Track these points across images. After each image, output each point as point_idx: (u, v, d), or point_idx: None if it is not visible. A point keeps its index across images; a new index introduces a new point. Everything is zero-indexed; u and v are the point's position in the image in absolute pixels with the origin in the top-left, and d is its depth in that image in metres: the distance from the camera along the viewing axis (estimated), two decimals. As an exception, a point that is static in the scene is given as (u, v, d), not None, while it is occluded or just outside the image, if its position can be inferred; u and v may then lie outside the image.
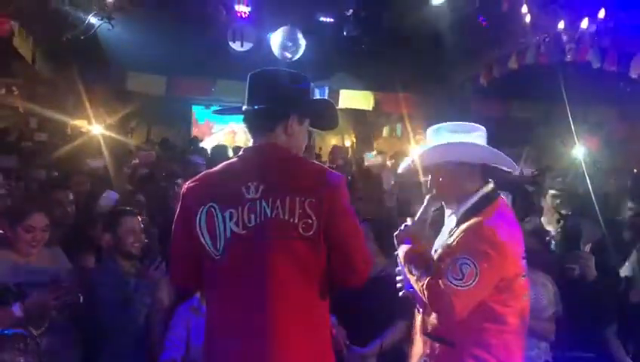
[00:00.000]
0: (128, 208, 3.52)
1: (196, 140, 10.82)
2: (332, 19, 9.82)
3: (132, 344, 3.16)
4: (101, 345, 3.13)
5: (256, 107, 2.05)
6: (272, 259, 1.94)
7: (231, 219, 1.95)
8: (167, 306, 3.24)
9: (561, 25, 7.03)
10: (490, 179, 2.25)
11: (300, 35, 9.40)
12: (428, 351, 2.19)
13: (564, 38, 7.04)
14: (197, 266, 2.04)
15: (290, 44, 9.32)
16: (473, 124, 2.30)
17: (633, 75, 6.62)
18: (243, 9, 9.23)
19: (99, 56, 9.03)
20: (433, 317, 2.17)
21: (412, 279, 2.17)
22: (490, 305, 2.10)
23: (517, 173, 2.37)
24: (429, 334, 2.20)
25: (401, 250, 2.26)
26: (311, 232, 1.94)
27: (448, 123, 2.30)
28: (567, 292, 3.45)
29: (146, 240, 3.36)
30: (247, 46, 9.32)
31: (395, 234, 2.31)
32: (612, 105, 10.43)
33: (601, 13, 6.34)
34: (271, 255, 1.94)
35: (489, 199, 2.21)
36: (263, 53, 9.44)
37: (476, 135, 2.25)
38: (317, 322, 2.03)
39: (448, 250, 2.15)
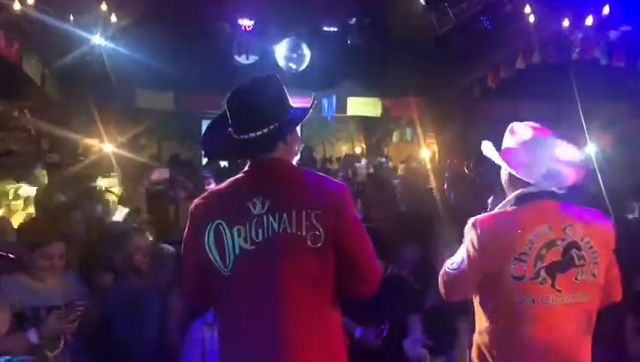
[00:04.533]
0: (135, 226, 3.55)
1: None
2: (336, 29, 9.86)
3: (147, 357, 3.16)
4: (116, 354, 3.15)
5: (252, 135, 2.01)
6: (282, 273, 1.94)
7: (239, 235, 1.96)
8: (180, 313, 3.26)
9: (565, 23, 7.00)
10: (523, 189, 2.25)
11: (304, 46, 9.46)
12: None
13: (570, 36, 7.00)
14: (207, 283, 2.04)
15: (294, 55, 9.38)
16: None
17: (641, 70, 6.57)
18: (247, 23, 9.30)
19: (106, 75, 9.12)
20: None
21: None
22: (476, 300, 2.26)
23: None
24: None
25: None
26: (319, 244, 1.94)
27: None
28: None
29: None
30: (253, 59, 9.40)
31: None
32: (623, 102, 10.33)
33: (606, 10, 6.31)
34: (280, 269, 1.94)
35: (510, 202, 2.26)
36: (269, 65, 9.49)
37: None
38: (330, 333, 2.03)
39: None
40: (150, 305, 3.21)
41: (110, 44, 8.39)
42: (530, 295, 2.12)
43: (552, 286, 2.12)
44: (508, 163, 2.27)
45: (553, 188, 2.22)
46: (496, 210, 2.29)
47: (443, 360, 3.39)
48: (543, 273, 2.12)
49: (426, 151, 11.40)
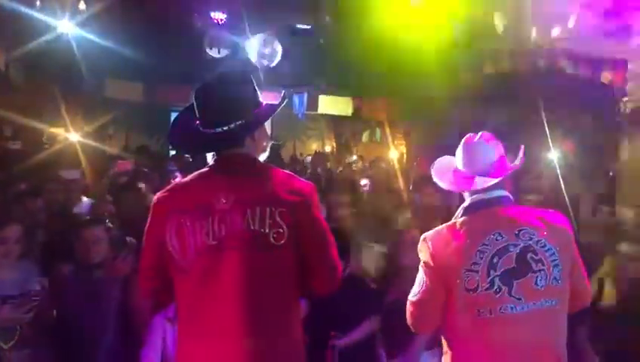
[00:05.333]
0: (91, 218, 3.50)
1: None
2: (309, 27, 9.87)
3: (106, 350, 3.13)
4: (75, 346, 3.11)
5: (220, 129, 2.01)
6: (243, 270, 1.94)
7: (201, 230, 1.95)
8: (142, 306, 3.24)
9: (533, 32, 7.16)
10: (471, 198, 2.22)
11: (276, 42, 9.44)
12: None
13: (537, 46, 7.17)
14: (167, 277, 2.03)
15: (267, 50, 9.36)
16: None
17: (605, 80, 6.75)
18: (219, 16, 9.24)
19: (74, 63, 8.94)
20: None
21: None
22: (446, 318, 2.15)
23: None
24: None
25: None
26: (282, 241, 1.95)
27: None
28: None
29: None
30: (224, 53, 9.34)
31: None
32: (586, 111, 10.58)
33: (571, 22, 6.47)
34: (242, 265, 1.94)
35: (461, 213, 2.21)
36: (240, 59, 9.45)
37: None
38: (290, 330, 2.04)
39: None
40: (108, 297, 3.17)
41: (79, 31, 8.21)
42: (486, 306, 2.04)
43: (509, 294, 2.03)
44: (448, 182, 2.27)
45: (503, 192, 2.18)
46: (445, 224, 2.21)
47: (399, 360, 3.43)
48: (497, 282, 2.03)
49: (395, 153, 11.51)
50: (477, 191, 2.19)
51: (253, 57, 9.50)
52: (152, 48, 9.06)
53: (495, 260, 2.05)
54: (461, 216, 2.18)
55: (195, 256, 1.95)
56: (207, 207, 1.96)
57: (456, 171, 2.28)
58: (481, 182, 2.16)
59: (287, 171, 2.17)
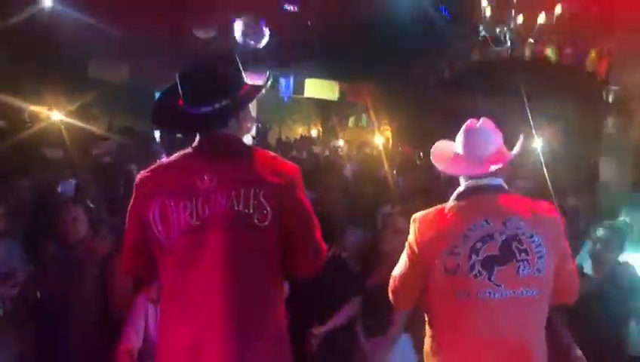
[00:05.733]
0: (71, 198, 3.50)
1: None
2: (296, 9, 9.78)
3: (86, 329, 3.13)
4: (55, 324, 3.12)
5: (204, 109, 2.01)
6: (227, 250, 1.95)
7: (185, 210, 1.95)
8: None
9: (520, 19, 7.18)
10: (466, 183, 2.25)
11: (263, 24, 9.36)
12: None
13: (524, 32, 7.20)
14: (150, 257, 2.03)
15: (253, 32, 9.27)
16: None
17: (589, 69, 6.80)
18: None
19: (56, 41, 8.78)
20: None
21: None
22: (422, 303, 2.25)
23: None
24: None
25: None
26: (266, 222, 1.96)
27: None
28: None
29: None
30: (210, 33, 9.24)
31: None
32: (571, 98, 10.66)
33: (558, 9, 6.50)
34: (225, 246, 1.95)
35: (453, 198, 2.25)
36: (227, 40, 9.35)
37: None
38: (273, 310, 2.05)
39: None
40: (86, 276, 3.17)
41: (60, 7, 8.06)
42: (464, 289, 2.08)
43: (489, 279, 2.06)
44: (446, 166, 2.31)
45: (498, 181, 2.21)
46: (435, 207, 2.25)
47: (376, 340, 3.48)
48: (478, 266, 2.07)
49: (380, 138, 11.53)
50: (473, 177, 2.22)
51: (239, 38, 9.41)
52: (137, 28, 8.93)
53: (478, 246, 2.09)
54: (453, 201, 2.22)
55: (178, 237, 1.95)
56: (191, 188, 1.96)
57: (456, 156, 2.31)
58: (481, 168, 2.20)
59: (272, 153, 2.16)
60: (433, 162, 2.36)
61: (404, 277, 2.25)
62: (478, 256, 2.08)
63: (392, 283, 2.31)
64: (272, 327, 2.04)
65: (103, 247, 3.28)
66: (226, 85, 2.03)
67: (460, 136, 2.31)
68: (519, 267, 2.08)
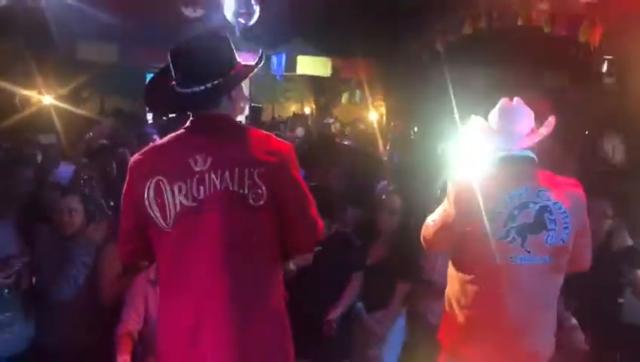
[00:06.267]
0: (67, 187, 3.47)
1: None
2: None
3: (70, 303, 3.14)
4: (46, 308, 3.13)
5: (197, 88, 1.98)
6: (223, 231, 1.94)
7: (180, 191, 1.94)
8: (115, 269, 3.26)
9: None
10: (502, 153, 2.36)
11: (253, 1, 9.24)
12: None
13: (516, 3, 7.13)
14: (146, 240, 2.03)
15: (244, 9, 9.16)
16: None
17: (582, 39, 6.76)
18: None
19: (45, 23, 8.67)
20: None
21: None
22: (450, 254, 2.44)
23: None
24: None
25: None
26: (261, 202, 1.95)
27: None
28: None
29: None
30: (200, 12, 9.13)
31: None
32: (565, 70, 10.63)
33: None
34: (221, 226, 1.94)
35: (491, 163, 2.36)
36: (217, 18, 9.24)
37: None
38: (271, 290, 2.06)
39: None
40: (81, 265, 3.17)
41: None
42: (499, 252, 2.23)
43: (522, 245, 2.24)
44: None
45: (532, 155, 2.35)
46: (476, 171, 2.37)
47: (378, 315, 3.53)
48: (513, 233, 2.24)
49: (374, 114, 11.49)
50: (508, 149, 2.35)
51: (229, 16, 9.30)
52: (125, 8, 8.81)
53: (516, 213, 2.25)
54: (490, 168, 2.34)
55: (174, 218, 1.94)
56: (185, 169, 1.95)
57: (493, 130, 2.41)
58: (519, 143, 2.34)
59: (265, 132, 2.15)
60: (472, 135, 2.44)
61: (440, 229, 2.40)
62: (514, 222, 2.24)
63: (426, 232, 2.47)
64: (271, 307, 2.04)
65: (97, 235, 3.27)
66: (217, 65, 2.00)
67: (496, 113, 2.41)
68: (548, 236, 2.26)
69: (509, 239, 2.24)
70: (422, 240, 2.53)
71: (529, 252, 2.25)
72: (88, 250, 3.19)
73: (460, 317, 2.35)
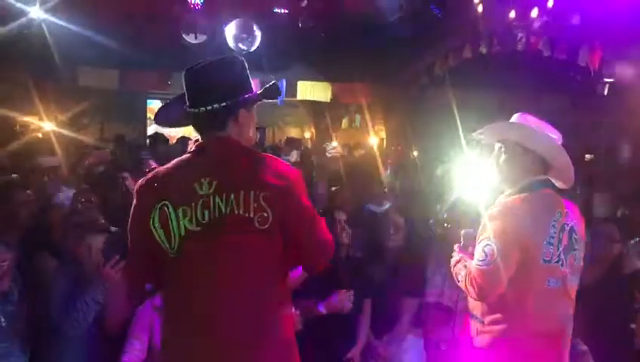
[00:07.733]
0: (96, 224, 3.33)
1: (159, 136, 10.16)
2: (287, 11, 9.74)
3: (81, 339, 3.03)
4: (48, 341, 3.03)
5: (203, 109, 1.99)
6: (228, 255, 1.93)
7: (184, 216, 1.92)
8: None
9: (512, 14, 7.18)
10: (547, 176, 2.38)
11: (255, 27, 9.30)
12: None
13: (516, 27, 7.19)
14: (153, 265, 2.01)
15: (245, 35, 9.21)
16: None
17: (582, 63, 6.80)
18: (195, 0, 9.06)
19: (46, 50, 8.73)
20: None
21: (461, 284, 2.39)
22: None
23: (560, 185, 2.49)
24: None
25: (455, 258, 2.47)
26: (267, 225, 1.93)
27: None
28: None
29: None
30: (201, 38, 9.17)
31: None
32: (564, 93, 10.69)
33: (550, 3, 6.50)
34: (226, 250, 1.93)
35: (528, 187, 2.33)
36: (218, 45, 9.30)
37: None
38: (279, 314, 2.03)
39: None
40: (93, 301, 3.04)
41: (50, 18, 8.01)
42: (554, 276, 2.27)
43: (564, 266, 2.29)
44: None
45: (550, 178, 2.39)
46: (511, 197, 2.34)
47: (386, 338, 3.48)
48: (562, 255, 2.28)
49: (374, 138, 11.51)
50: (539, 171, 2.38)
51: (231, 43, 9.35)
52: (126, 34, 8.88)
53: (560, 235, 2.29)
54: (527, 192, 2.33)
55: (178, 243, 1.93)
56: (190, 193, 1.94)
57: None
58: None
59: (272, 155, 2.14)
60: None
61: (495, 270, 2.22)
62: (560, 245, 2.28)
63: (480, 278, 2.26)
64: (278, 331, 2.01)
65: (114, 275, 3.10)
66: (227, 87, 2.01)
67: (541, 137, 2.40)
68: (575, 256, 2.34)
69: (560, 262, 2.28)
70: (476, 288, 2.28)
71: (566, 273, 2.30)
72: (102, 289, 3.05)
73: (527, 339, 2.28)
